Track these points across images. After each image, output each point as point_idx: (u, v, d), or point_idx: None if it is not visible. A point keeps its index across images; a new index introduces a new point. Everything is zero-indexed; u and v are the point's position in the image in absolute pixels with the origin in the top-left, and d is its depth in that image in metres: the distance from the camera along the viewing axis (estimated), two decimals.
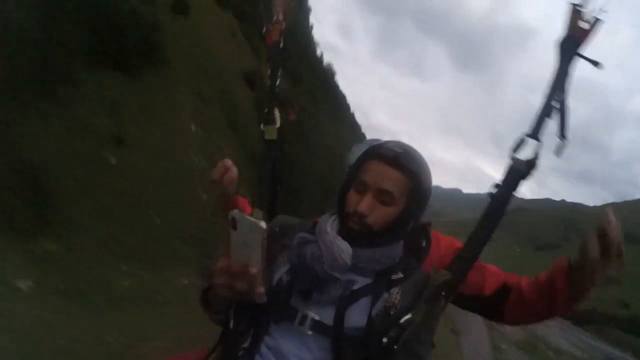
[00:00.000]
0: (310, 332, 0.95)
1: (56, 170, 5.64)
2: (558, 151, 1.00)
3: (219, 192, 1.40)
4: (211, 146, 9.07)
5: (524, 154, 1.03)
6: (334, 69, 54.60)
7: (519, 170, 1.02)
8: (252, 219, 0.81)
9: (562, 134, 1.00)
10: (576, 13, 1.02)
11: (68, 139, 6.32)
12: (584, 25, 1.00)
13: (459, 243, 1.30)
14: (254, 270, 0.84)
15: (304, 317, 0.96)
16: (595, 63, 0.99)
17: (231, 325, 1.00)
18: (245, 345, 0.99)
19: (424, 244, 1.17)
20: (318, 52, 51.71)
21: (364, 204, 1.03)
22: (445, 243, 1.31)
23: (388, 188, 1.04)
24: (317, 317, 0.96)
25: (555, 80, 1.01)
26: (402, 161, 1.06)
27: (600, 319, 41.83)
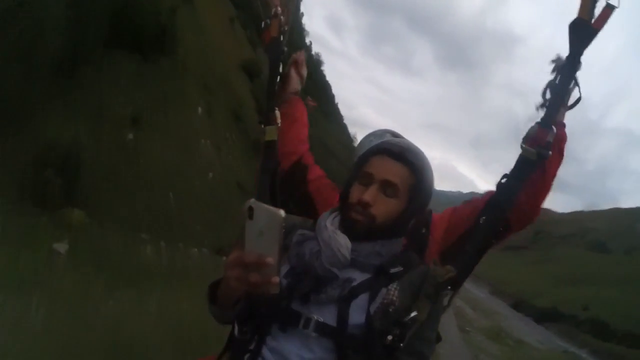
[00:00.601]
0: (314, 334, 0.95)
1: (80, 148, 5.96)
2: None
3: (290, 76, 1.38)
4: (216, 131, 9.47)
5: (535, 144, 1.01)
6: (322, 59, 54.87)
7: (531, 161, 0.98)
8: (271, 208, 0.79)
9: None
10: None
11: (88, 117, 6.64)
12: (598, 9, 0.96)
13: (450, 209, 1.33)
14: (270, 260, 0.80)
15: (308, 320, 0.95)
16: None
17: (236, 333, 1.01)
18: (252, 347, 0.99)
19: (423, 230, 1.15)
20: (307, 40, 51.69)
21: (368, 193, 1.03)
22: (439, 219, 1.29)
23: (393, 180, 1.05)
24: (320, 319, 0.95)
25: (567, 64, 0.97)
26: (407, 156, 1.08)
27: (561, 318, 43.61)
